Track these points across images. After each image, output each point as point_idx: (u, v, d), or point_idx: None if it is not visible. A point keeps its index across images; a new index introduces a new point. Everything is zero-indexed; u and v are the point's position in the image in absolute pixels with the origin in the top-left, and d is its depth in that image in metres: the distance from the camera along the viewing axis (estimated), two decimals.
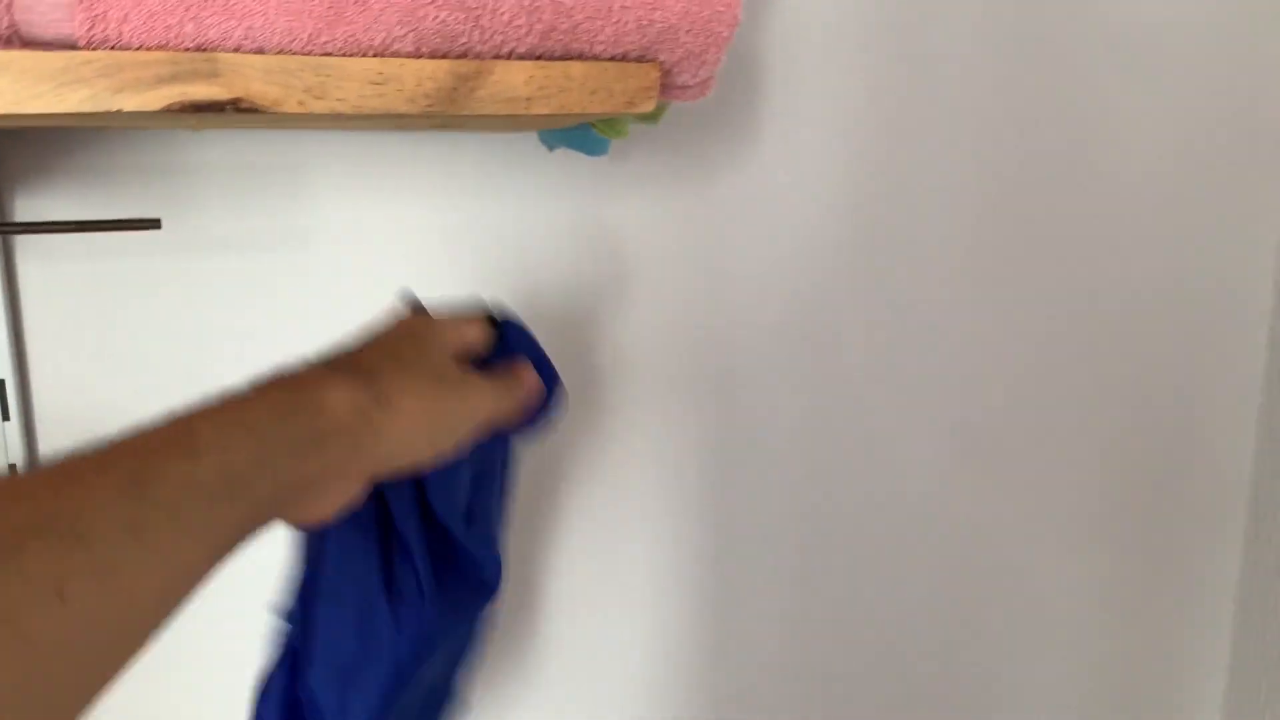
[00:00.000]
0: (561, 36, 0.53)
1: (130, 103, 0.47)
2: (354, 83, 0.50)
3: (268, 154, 0.70)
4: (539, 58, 0.53)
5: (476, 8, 0.51)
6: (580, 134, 0.67)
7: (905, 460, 0.88)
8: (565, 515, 0.82)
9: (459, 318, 0.52)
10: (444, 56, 0.52)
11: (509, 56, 0.53)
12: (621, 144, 0.74)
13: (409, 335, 0.48)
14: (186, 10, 0.47)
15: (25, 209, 0.67)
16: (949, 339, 0.86)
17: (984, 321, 0.87)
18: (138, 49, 0.47)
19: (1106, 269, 0.90)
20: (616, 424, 0.81)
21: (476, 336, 0.51)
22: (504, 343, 0.53)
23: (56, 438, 0.69)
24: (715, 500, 0.84)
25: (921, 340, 0.86)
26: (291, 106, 0.49)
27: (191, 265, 0.70)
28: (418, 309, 0.53)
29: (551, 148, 0.72)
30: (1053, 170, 0.86)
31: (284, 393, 0.39)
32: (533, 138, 0.73)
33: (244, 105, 0.49)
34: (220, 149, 0.69)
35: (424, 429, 0.44)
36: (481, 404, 0.48)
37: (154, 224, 0.61)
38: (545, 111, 0.54)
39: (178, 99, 0.48)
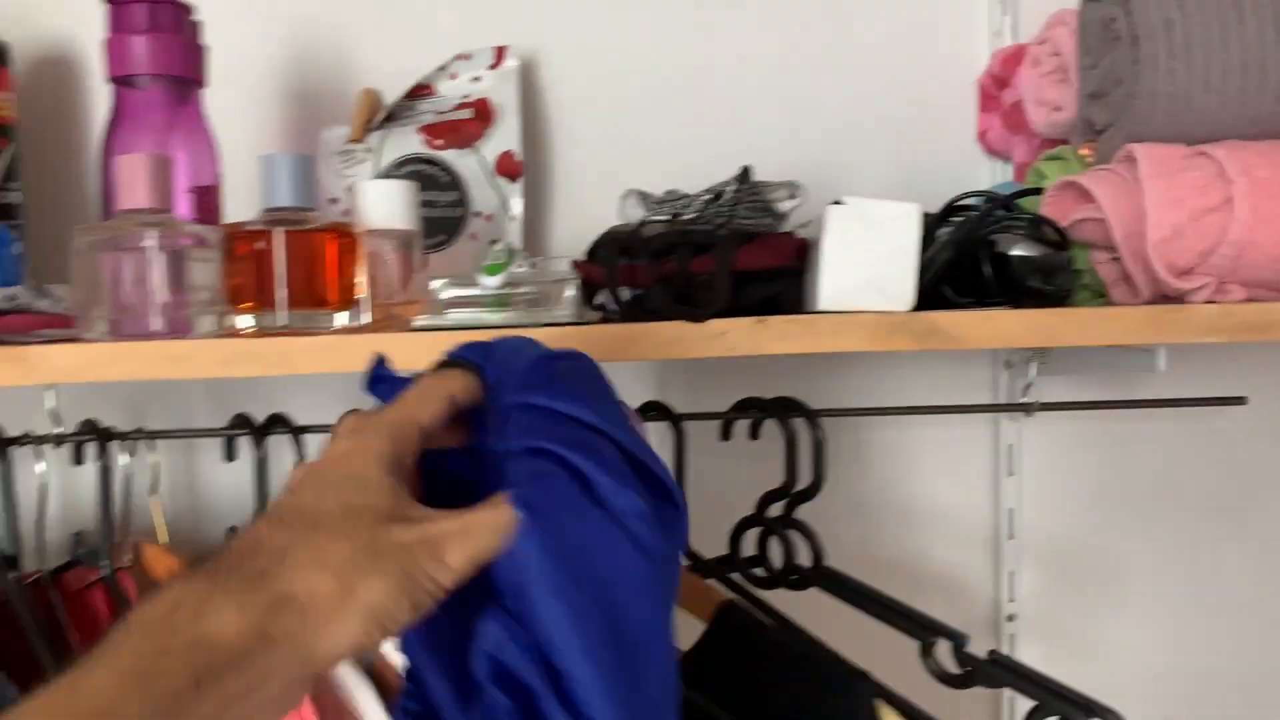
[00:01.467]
0: None
1: None
2: None
3: None
4: None
5: None
6: None
7: None
8: None
9: (417, 394, 0.45)
10: None
11: None
12: None
13: (320, 476, 0.41)
14: None
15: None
16: None
17: None
18: None
19: None
20: None
21: (439, 407, 0.44)
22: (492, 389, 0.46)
23: None
24: None
25: None
26: None
27: None
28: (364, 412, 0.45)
29: None
30: None
31: (146, 638, 0.33)
32: None
33: None
34: None
35: (358, 610, 0.36)
36: (440, 553, 0.39)
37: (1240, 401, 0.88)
38: None
39: None
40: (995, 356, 1.01)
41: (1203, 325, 0.69)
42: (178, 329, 0.68)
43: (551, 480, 0.41)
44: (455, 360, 0.48)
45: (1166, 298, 0.71)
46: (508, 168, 0.91)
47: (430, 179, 0.90)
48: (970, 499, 1.02)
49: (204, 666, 0.32)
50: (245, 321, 0.69)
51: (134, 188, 0.67)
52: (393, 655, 0.71)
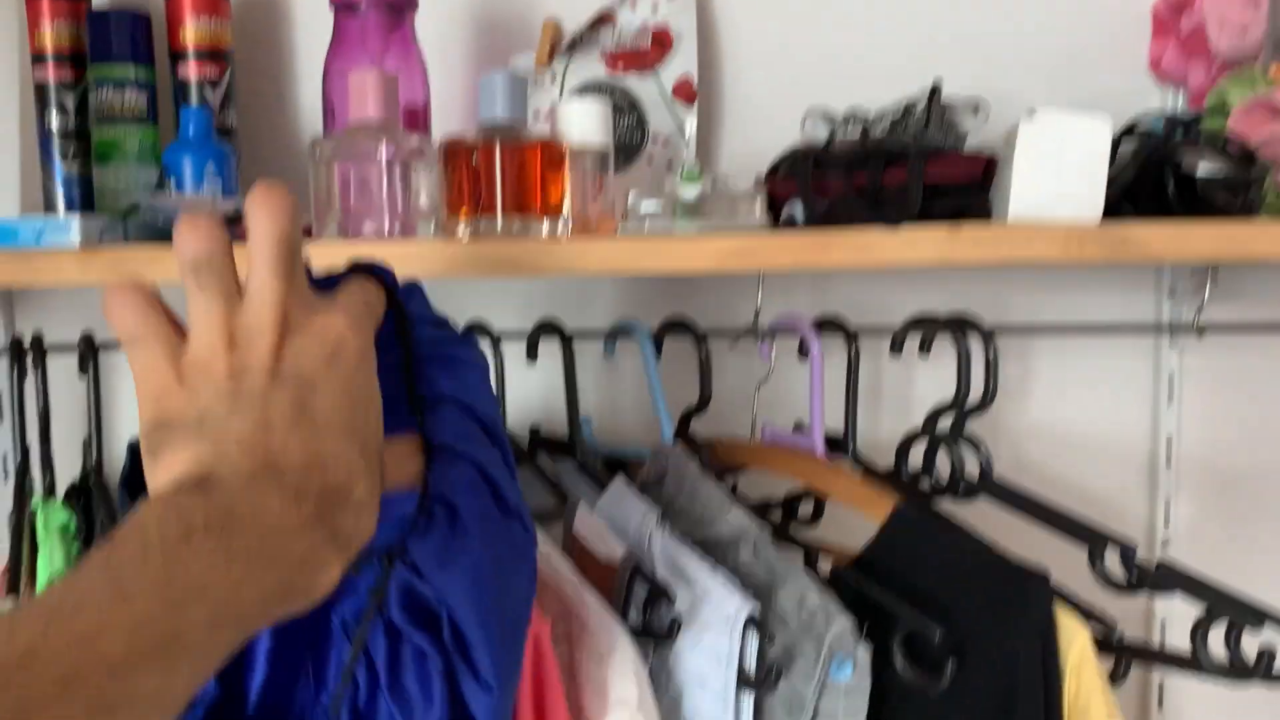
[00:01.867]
0: None
1: None
2: None
3: None
4: None
5: None
6: None
7: None
8: None
9: (373, 304, 0.45)
10: None
11: None
12: None
13: (356, 385, 0.41)
14: None
15: None
16: None
17: None
18: None
19: None
20: None
21: (378, 316, 0.46)
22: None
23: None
24: None
25: None
26: None
27: None
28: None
29: None
30: None
31: (283, 569, 0.36)
32: None
33: None
34: None
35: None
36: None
37: None
38: None
39: None
40: (1159, 284, 1.01)
41: None
42: (404, 230, 0.74)
43: (482, 492, 0.49)
44: (379, 276, 0.48)
45: None
46: (684, 92, 0.95)
47: (611, 105, 0.94)
48: (1129, 426, 1.03)
49: (300, 606, 0.37)
50: (461, 228, 0.75)
51: (364, 101, 0.73)
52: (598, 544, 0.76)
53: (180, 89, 0.90)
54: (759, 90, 1.00)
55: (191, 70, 0.90)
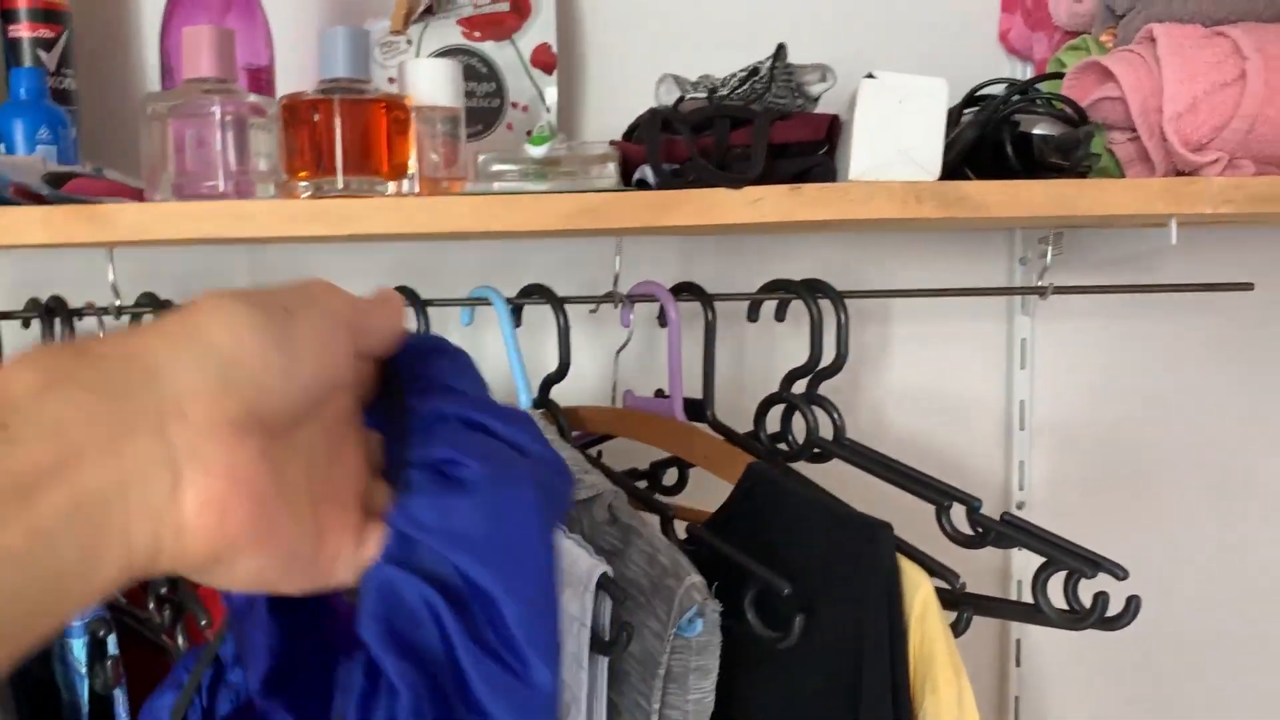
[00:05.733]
0: None
1: None
2: None
3: None
4: None
5: None
6: None
7: None
8: None
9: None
10: None
11: None
12: None
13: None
14: None
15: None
16: None
17: None
18: None
19: None
20: None
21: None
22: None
23: None
24: None
25: None
26: None
27: None
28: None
29: None
30: None
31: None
32: None
33: None
34: None
35: None
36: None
37: (1247, 286, 0.91)
38: None
39: None
40: (1011, 252, 1.05)
41: (1216, 196, 0.72)
42: (240, 192, 0.71)
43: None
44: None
45: (1181, 174, 0.75)
46: (543, 60, 0.94)
47: (469, 70, 0.93)
48: (983, 391, 1.06)
49: None
50: (303, 188, 0.73)
51: (198, 58, 0.71)
52: None
53: (11, 49, 0.86)
54: (621, 59, 1.00)
55: (24, 30, 0.86)
